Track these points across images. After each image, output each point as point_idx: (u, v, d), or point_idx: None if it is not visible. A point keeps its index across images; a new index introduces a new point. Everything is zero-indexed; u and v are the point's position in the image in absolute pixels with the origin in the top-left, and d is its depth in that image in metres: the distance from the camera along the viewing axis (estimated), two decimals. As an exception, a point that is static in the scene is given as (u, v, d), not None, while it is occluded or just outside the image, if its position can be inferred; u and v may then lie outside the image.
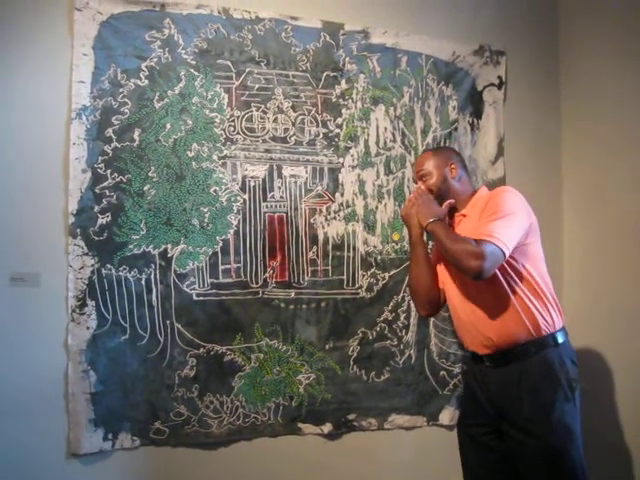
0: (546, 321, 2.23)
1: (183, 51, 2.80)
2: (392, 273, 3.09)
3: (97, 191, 2.66)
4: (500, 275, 2.21)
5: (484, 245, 2.09)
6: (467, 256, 2.10)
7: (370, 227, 3.07)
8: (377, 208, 3.08)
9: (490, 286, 2.22)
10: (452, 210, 2.46)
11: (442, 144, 3.19)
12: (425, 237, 2.47)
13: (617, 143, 3.04)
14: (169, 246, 2.75)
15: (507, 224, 2.16)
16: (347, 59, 3.05)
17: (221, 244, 2.83)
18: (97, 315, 2.64)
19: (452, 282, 2.40)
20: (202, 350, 2.79)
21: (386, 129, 3.11)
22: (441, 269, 2.49)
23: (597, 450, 2.74)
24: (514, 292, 2.23)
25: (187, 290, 2.78)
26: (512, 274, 2.23)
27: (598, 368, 3.05)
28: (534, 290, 2.24)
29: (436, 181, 2.44)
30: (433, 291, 2.49)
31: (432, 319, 3.12)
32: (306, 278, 2.96)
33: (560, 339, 2.25)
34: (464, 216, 2.41)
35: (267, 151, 2.92)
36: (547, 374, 2.20)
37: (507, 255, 2.13)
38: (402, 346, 3.10)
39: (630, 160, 2.95)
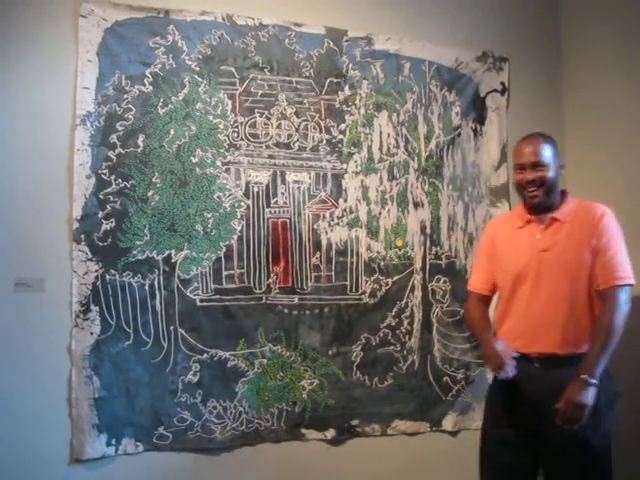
0: None
1: (187, 57, 2.81)
2: (395, 279, 3.09)
3: (101, 197, 2.67)
4: (587, 287, 2.30)
5: (622, 293, 2.24)
6: (624, 317, 2.23)
7: (373, 233, 3.07)
8: (380, 214, 3.08)
9: (580, 296, 2.30)
10: (537, 208, 2.40)
11: (445, 150, 3.20)
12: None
13: (620, 149, 3.05)
14: (173, 252, 2.76)
15: (623, 256, 2.30)
16: (350, 65, 3.06)
17: (225, 250, 2.83)
18: (101, 320, 2.65)
19: (542, 281, 2.35)
20: (205, 356, 2.79)
21: (389, 135, 3.12)
22: (516, 265, 2.42)
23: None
24: (592, 304, 2.31)
25: (191, 295, 2.78)
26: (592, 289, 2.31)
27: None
28: (599, 305, 2.31)
29: (551, 174, 2.35)
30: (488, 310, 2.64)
31: (435, 325, 3.13)
32: (309, 284, 2.96)
33: None
34: (558, 221, 2.37)
35: (270, 157, 2.93)
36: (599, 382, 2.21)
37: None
38: (405, 352, 3.10)
39: (633, 166, 2.96)
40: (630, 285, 2.26)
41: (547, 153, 2.36)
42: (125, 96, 2.72)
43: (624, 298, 2.23)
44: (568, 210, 2.37)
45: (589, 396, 2.14)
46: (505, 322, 2.48)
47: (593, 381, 2.14)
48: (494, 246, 2.56)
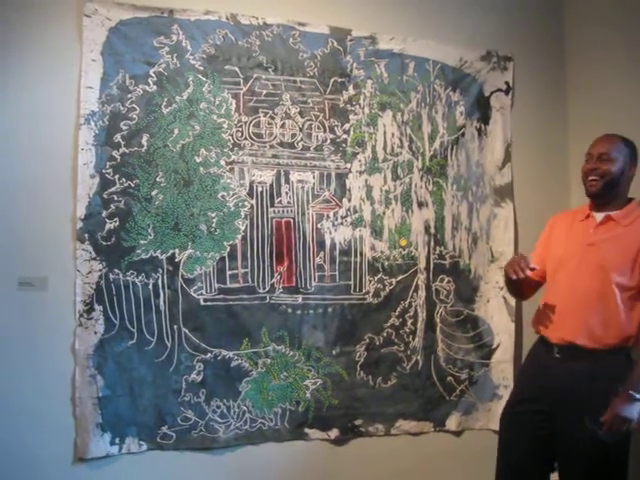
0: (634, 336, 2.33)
1: (191, 57, 2.81)
2: (399, 278, 3.09)
3: (105, 196, 2.67)
4: (634, 288, 2.33)
5: None
6: None
7: (377, 232, 3.07)
8: (384, 214, 3.08)
9: (624, 292, 2.32)
10: (599, 203, 2.45)
11: (450, 150, 3.19)
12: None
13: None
14: (177, 251, 2.76)
15: None
16: (354, 65, 3.05)
17: (228, 249, 2.83)
18: (104, 320, 2.65)
19: (581, 273, 2.40)
20: (209, 355, 2.79)
21: (393, 135, 3.11)
22: (563, 253, 2.50)
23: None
24: (629, 309, 2.33)
25: (194, 295, 2.78)
26: (638, 294, 2.33)
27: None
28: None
29: (614, 169, 2.38)
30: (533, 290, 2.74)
31: (439, 325, 3.13)
32: (313, 283, 2.96)
33: (629, 352, 2.35)
34: (614, 221, 2.41)
35: (274, 156, 2.93)
36: (619, 381, 2.24)
37: None
38: (409, 352, 3.09)
39: (638, 166, 2.94)
40: None
41: (618, 149, 2.40)
42: (129, 95, 2.72)
43: None
44: (628, 214, 2.41)
45: (635, 411, 2.18)
46: (544, 305, 2.56)
47: (638, 396, 2.18)
48: (551, 236, 2.65)
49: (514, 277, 2.38)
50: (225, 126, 2.85)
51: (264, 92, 2.93)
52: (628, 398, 2.19)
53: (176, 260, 2.76)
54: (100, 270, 2.65)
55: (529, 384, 2.52)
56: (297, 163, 2.96)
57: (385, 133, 3.10)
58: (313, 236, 2.97)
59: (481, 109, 3.29)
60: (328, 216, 2.99)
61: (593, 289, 2.36)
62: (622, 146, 2.42)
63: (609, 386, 2.24)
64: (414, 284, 3.12)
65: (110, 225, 2.67)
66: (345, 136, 3.03)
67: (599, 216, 2.45)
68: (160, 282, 2.74)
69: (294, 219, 2.95)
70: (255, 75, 2.91)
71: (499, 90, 3.33)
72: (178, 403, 2.75)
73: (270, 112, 2.93)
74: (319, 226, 2.98)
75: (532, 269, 2.38)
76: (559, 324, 2.43)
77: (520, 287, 2.65)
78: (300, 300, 2.94)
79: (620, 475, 2.30)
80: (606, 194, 2.41)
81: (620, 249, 2.34)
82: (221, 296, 2.82)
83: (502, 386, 3.19)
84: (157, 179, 2.74)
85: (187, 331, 2.76)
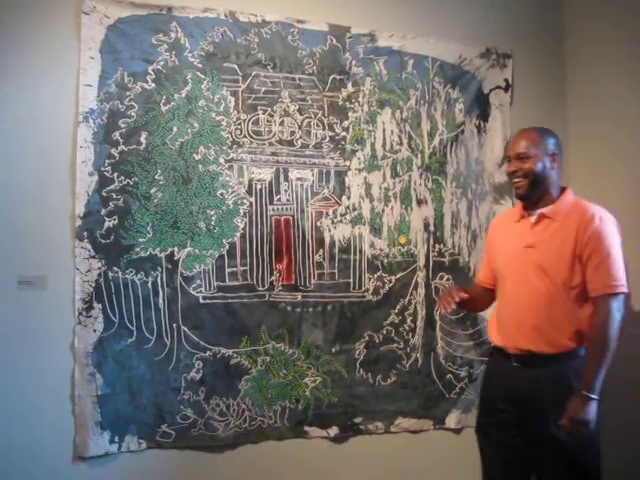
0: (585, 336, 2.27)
1: (190, 54, 2.80)
2: (399, 276, 3.09)
3: (104, 194, 2.66)
4: (578, 286, 2.26)
5: (614, 302, 2.20)
6: (617, 325, 2.19)
7: (376, 230, 3.06)
8: (383, 211, 3.08)
9: (569, 292, 2.27)
10: (530, 202, 2.39)
11: (449, 147, 3.19)
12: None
13: (624, 145, 3.03)
14: (176, 249, 2.76)
15: (616, 263, 2.23)
16: (353, 62, 3.05)
17: (227, 247, 2.83)
18: (104, 318, 2.65)
19: (523, 277, 2.35)
20: (208, 353, 2.79)
21: (392, 132, 3.11)
22: (503, 259, 2.46)
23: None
24: (576, 306, 2.27)
25: (194, 293, 2.78)
26: (583, 287, 2.26)
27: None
28: (589, 306, 2.27)
29: (534, 166, 2.33)
30: (491, 299, 2.65)
31: (438, 322, 3.13)
32: (312, 281, 2.96)
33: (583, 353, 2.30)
34: (548, 218, 2.35)
35: (273, 154, 2.93)
36: (577, 381, 2.21)
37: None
38: (409, 349, 3.09)
39: (637, 162, 2.94)
40: (623, 293, 2.22)
41: (533, 145, 2.35)
42: (128, 93, 2.71)
43: (616, 306, 2.20)
44: (562, 208, 2.34)
45: (591, 411, 2.14)
46: (496, 316, 2.52)
47: (593, 396, 2.14)
48: (492, 241, 2.61)
49: (442, 312, 2.38)
50: (224, 124, 2.85)
51: (263, 89, 2.92)
52: (583, 399, 2.14)
53: (175, 258, 2.76)
54: (99, 268, 2.65)
55: (494, 396, 2.45)
56: (296, 161, 2.96)
57: (384, 130, 3.10)
58: (312, 234, 2.97)
59: (480, 106, 3.29)
60: (327, 214, 2.99)
61: (538, 293, 2.30)
62: (539, 140, 2.36)
63: (571, 389, 2.20)
64: (413, 282, 3.12)
65: (109, 223, 2.67)
66: (344, 134, 3.03)
67: (533, 215, 2.39)
68: (159, 280, 2.73)
69: (293, 217, 2.94)
70: (254, 73, 2.90)
71: (498, 87, 3.33)
72: (177, 401, 2.75)
73: (269, 110, 2.93)
74: (318, 224, 2.98)
75: (457, 303, 2.34)
76: (512, 333, 2.36)
77: (466, 307, 2.63)
78: (299, 298, 2.94)
79: (594, 477, 2.26)
80: (535, 192, 2.35)
81: (558, 247, 2.28)
82: (220, 294, 2.82)
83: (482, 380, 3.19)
84: (156, 177, 2.74)
85: (186, 329, 2.76)
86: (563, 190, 2.41)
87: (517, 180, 2.36)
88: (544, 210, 2.36)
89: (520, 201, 2.45)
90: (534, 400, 2.27)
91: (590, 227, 2.23)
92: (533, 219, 2.39)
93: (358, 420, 3.01)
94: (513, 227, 2.47)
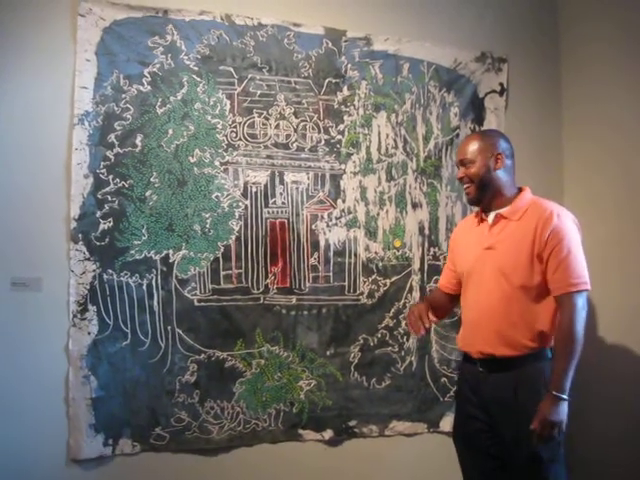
0: (550, 335, 2.24)
1: (185, 57, 2.81)
2: (393, 279, 3.09)
3: (99, 196, 2.66)
4: (537, 286, 2.23)
5: (578, 299, 2.17)
6: (583, 322, 2.17)
7: (371, 233, 3.07)
8: (378, 214, 3.08)
9: (528, 293, 2.24)
10: (485, 204, 2.38)
11: (444, 151, 3.19)
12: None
13: (619, 148, 3.05)
14: (171, 252, 2.76)
15: (577, 260, 2.21)
16: (349, 66, 3.06)
17: (222, 250, 2.83)
18: (98, 320, 2.65)
19: (482, 280, 2.33)
20: (203, 356, 2.79)
21: (388, 136, 3.12)
22: (465, 263, 2.43)
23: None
24: (536, 307, 2.24)
25: (188, 296, 2.78)
26: (542, 287, 2.23)
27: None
28: (551, 304, 2.24)
29: (478, 171, 2.32)
30: (451, 304, 2.64)
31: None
32: (307, 284, 2.96)
33: (551, 353, 2.27)
34: (505, 218, 2.32)
35: (269, 157, 2.93)
36: (543, 386, 2.19)
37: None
38: (403, 353, 3.09)
39: (632, 164, 2.96)
40: (586, 290, 2.19)
41: (473, 149, 2.34)
42: (123, 96, 2.71)
43: (581, 304, 2.17)
44: (518, 207, 2.31)
45: (562, 412, 2.12)
46: (462, 320, 2.51)
47: (564, 396, 2.12)
48: (455, 245, 2.60)
49: (417, 335, 2.35)
50: (219, 127, 2.85)
51: (258, 92, 2.93)
52: (554, 400, 2.11)
53: (170, 261, 2.76)
54: (94, 270, 2.65)
55: (465, 403, 2.43)
56: (291, 164, 2.96)
57: (379, 134, 3.10)
58: (307, 237, 2.97)
59: (475, 110, 3.30)
60: (322, 217, 2.99)
61: (497, 295, 2.27)
62: (481, 143, 2.34)
63: (536, 391, 2.19)
64: (408, 285, 3.12)
65: (104, 225, 2.66)
66: (339, 137, 3.04)
67: (490, 217, 2.37)
68: (154, 283, 2.73)
69: (288, 220, 2.94)
70: (250, 75, 2.91)
71: (493, 91, 3.34)
72: (172, 404, 2.74)
73: (264, 113, 2.93)
74: (313, 227, 2.98)
75: (427, 328, 2.32)
76: (474, 337, 2.35)
77: (442, 312, 2.62)
78: (294, 301, 2.94)
79: None
80: (484, 196, 2.34)
81: (516, 247, 2.25)
82: (215, 297, 2.82)
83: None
84: (151, 179, 2.74)
85: (181, 332, 2.76)
86: (520, 190, 2.39)
87: (466, 186, 2.37)
88: (500, 211, 2.34)
89: (473, 206, 2.47)
90: (500, 405, 2.26)
91: (549, 225, 2.21)
92: (490, 220, 2.37)
93: (352, 423, 3.01)
94: (473, 231, 2.45)
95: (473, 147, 2.35)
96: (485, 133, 2.43)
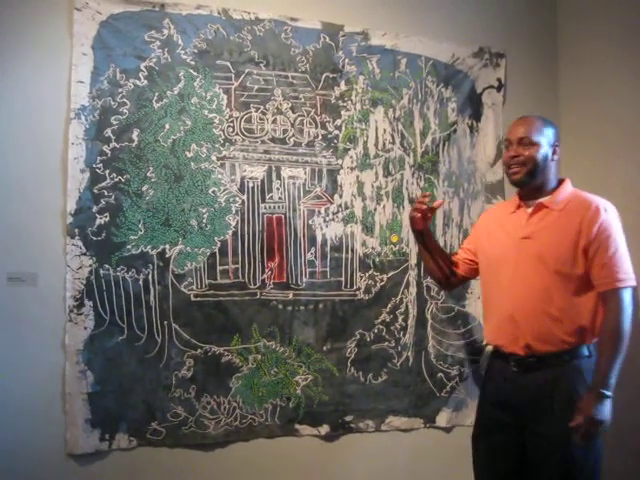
0: (592, 330, 2.20)
1: (182, 51, 2.80)
2: (390, 275, 3.09)
3: (95, 191, 2.66)
4: (579, 280, 2.19)
5: (625, 295, 2.13)
6: (630, 319, 2.13)
7: (368, 229, 3.07)
8: (376, 210, 3.08)
9: (568, 284, 2.19)
10: (527, 192, 2.33)
11: (441, 146, 3.19)
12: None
13: (617, 143, 3.05)
14: (167, 246, 2.75)
15: (624, 256, 2.18)
16: (346, 60, 3.05)
17: (219, 245, 2.83)
18: (95, 315, 2.64)
19: (519, 270, 2.26)
20: (199, 351, 2.79)
21: (385, 131, 3.11)
22: (496, 251, 2.37)
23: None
24: (578, 301, 2.20)
25: (185, 291, 2.77)
26: (584, 281, 2.19)
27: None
28: (593, 299, 2.20)
29: (537, 155, 2.24)
30: (446, 271, 2.60)
31: (430, 321, 3.13)
32: (304, 279, 2.96)
33: (592, 349, 2.22)
34: (547, 208, 2.27)
35: (266, 152, 2.92)
36: (581, 384, 2.15)
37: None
38: (400, 348, 3.10)
39: (631, 159, 2.96)
40: (632, 287, 2.16)
41: (537, 132, 2.27)
42: (120, 90, 2.70)
43: (627, 300, 2.13)
44: (561, 198, 2.28)
45: (606, 410, 2.06)
46: (487, 313, 2.46)
47: (608, 393, 2.06)
48: (481, 231, 2.54)
49: (417, 214, 2.38)
50: (216, 121, 2.84)
51: (255, 87, 2.92)
52: (598, 397, 2.06)
53: (167, 256, 2.75)
54: (90, 265, 2.64)
55: (491, 401, 2.38)
56: (288, 159, 2.96)
57: (377, 129, 3.10)
58: (304, 232, 2.97)
59: (473, 106, 3.29)
60: (319, 212, 2.99)
61: (536, 286, 2.21)
62: (543, 128, 2.29)
63: (573, 391, 2.14)
64: (405, 280, 3.12)
65: (100, 220, 2.66)
66: (337, 132, 3.03)
67: (531, 205, 2.31)
68: (150, 278, 2.73)
69: (285, 215, 2.94)
70: (247, 70, 2.90)
71: (491, 87, 3.33)
72: (168, 399, 2.74)
73: (261, 107, 2.92)
74: (310, 222, 2.98)
75: (425, 196, 2.37)
76: (508, 331, 2.27)
77: (436, 265, 2.59)
78: (291, 296, 2.94)
79: None
80: (532, 181, 2.28)
81: (558, 237, 2.20)
82: (212, 292, 2.81)
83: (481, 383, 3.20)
84: (148, 174, 2.73)
85: (177, 327, 2.76)
86: (561, 181, 2.35)
87: (515, 167, 2.27)
88: (542, 200, 2.29)
89: (516, 187, 2.37)
90: (535, 404, 2.19)
91: (597, 219, 2.17)
92: (530, 209, 2.31)
93: (349, 418, 3.02)
94: (508, 218, 2.39)
95: (537, 129, 2.28)
96: (547, 120, 2.34)
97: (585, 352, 2.20)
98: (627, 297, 2.14)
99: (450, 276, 2.62)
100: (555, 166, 2.33)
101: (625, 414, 2.24)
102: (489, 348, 2.46)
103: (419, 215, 2.42)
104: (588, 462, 2.16)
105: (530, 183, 2.29)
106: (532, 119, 2.34)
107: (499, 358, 2.36)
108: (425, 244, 2.58)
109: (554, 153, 2.30)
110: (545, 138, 2.28)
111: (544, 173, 2.29)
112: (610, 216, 2.21)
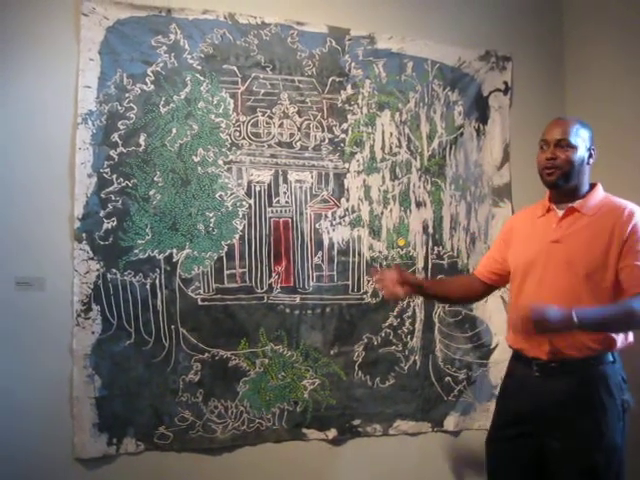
0: (618, 338, 2.16)
1: (189, 56, 2.80)
2: (397, 278, 3.08)
3: (103, 196, 2.66)
4: (610, 286, 2.14)
5: None
6: None
7: (375, 232, 3.06)
8: (382, 213, 3.08)
9: (596, 290, 2.13)
10: (559, 195, 2.27)
11: (448, 149, 3.19)
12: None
13: (623, 146, 3.03)
14: (174, 251, 2.76)
15: None
16: (353, 64, 3.05)
17: (226, 249, 2.83)
18: (102, 320, 2.65)
19: (547, 274, 2.20)
20: (207, 355, 2.79)
21: (392, 134, 3.11)
22: (525, 255, 2.30)
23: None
24: (612, 300, 2.14)
25: (192, 295, 2.78)
26: (615, 287, 2.14)
27: None
28: None
29: (574, 158, 2.18)
30: (480, 293, 2.58)
31: (437, 325, 3.12)
32: (311, 283, 2.95)
33: (617, 356, 2.18)
34: (578, 212, 2.22)
35: (273, 156, 2.92)
36: (605, 391, 2.12)
37: None
38: (407, 352, 3.09)
39: (637, 162, 2.95)
40: None
41: (576, 134, 2.21)
42: (127, 95, 2.71)
43: None
44: (593, 203, 2.22)
45: (562, 324, 1.95)
46: (512, 316, 2.35)
47: (576, 319, 1.93)
48: (510, 236, 2.46)
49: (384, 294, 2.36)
50: (223, 125, 2.85)
51: (262, 91, 2.92)
52: (568, 313, 1.93)
53: (174, 260, 2.75)
54: (98, 270, 2.65)
55: (510, 406, 2.33)
56: (295, 163, 2.96)
57: (383, 133, 3.10)
58: (311, 236, 2.96)
59: (479, 109, 3.29)
60: (326, 216, 2.99)
61: (564, 290, 2.14)
62: (582, 132, 2.23)
63: (596, 397, 2.11)
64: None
65: (108, 225, 2.66)
66: (343, 136, 3.03)
67: (562, 208, 2.25)
68: (158, 282, 2.73)
69: (292, 219, 2.94)
70: (253, 74, 2.90)
71: (498, 90, 3.33)
72: (176, 403, 2.74)
73: (268, 111, 2.93)
74: (317, 226, 2.97)
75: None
76: (532, 338, 2.17)
77: (456, 297, 2.60)
78: (298, 300, 2.93)
79: None
80: (566, 184, 2.21)
81: (589, 241, 2.15)
82: (219, 296, 2.82)
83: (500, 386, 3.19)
84: (155, 179, 2.73)
85: (185, 331, 2.76)
86: (593, 186, 2.29)
87: (551, 168, 2.20)
88: (574, 204, 2.23)
89: (550, 191, 2.31)
90: (558, 411, 2.15)
91: (631, 224, 2.12)
92: (560, 213, 2.26)
93: (356, 422, 3.01)
94: (536, 222, 2.34)
95: (576, 132, 2.22)
96: (584, 122, 2.28)
97: (610, 358, 2.16)
98: None
99: (485, 295, 2.61)
100: (589, 171, 2.27)
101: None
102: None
103: (391, 293, 2.36)
104: (610, 471, 2.12)
105: (564, 186, 2.22)
106: (570, 120, 2.28)
107: (520, 362, 2.32)
108: (428, 295, 2.57)
109: (590, 157, 2.26)
110: (582, 141, 2.23)
111: (579, 177, 2.23)
112: None
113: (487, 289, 2.57)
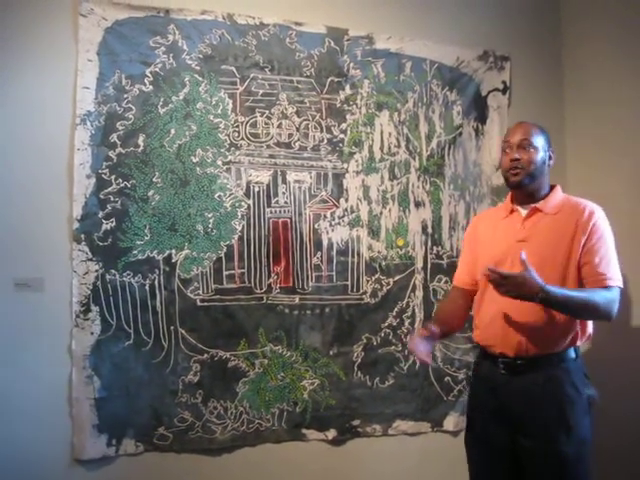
0: (580, 334, 2.21)
1: (187, 57, 2.80)
2: (396, 279, 3.08)
3: (101, 197, 2.66)
4: (573, 281, 2.20)
5: (616, 294, 2.17)
6: (611, 305, 2.15)
7: (374, 232, 3.06)
8: (381, 213, 3.08)
9: (564, 285, 2.18)
10: (522, 196, 2.32)
11: (447, 149, 3.19)
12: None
13: (621, 146, 3.04)
14: (173, 251, 2.76)
15: (614, 258, 2.21)
16: (351, 64, 3.05)
17: (225, 249, 2.83)
18: (101, 320, 2.65)
19: (515, 270, 2.17)
20: (206, 356, 2.78)
21: (390, 134, 3.11)
22: (491, 256, 2.31)
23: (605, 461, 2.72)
24: None
25: (191, 295, 2.77)
26: (578, 283, 2.20)
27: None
28: None
29: (537, 158, 2.26)
30: (468, 303, 2.52)
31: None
32: (310, 284, 2.95)
33: (579, 352, 2.24)
34: (541, 212, 2.28)
35: (271, 156, 2.92)
36: (571, 386, 2.17)
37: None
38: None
39: (634, 163, 2.95)
40: (619, 287, 2.18)
41: (538, 136, 2.30)
42: (125, 95, 2.71)
43: (616, 297, 2.16)
44: (554, 203, 2.29)
45: (529, 294, 2.02)
46: (479, 314, 2.40)
47: (545, 292, 2.01)
48: (476, 238, 2.49)
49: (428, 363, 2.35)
50: (222, 126, 2.85)
51: (261, 92, 2.92)
52: (541, 286, 2.01)
53: (173, 260, 2.75)
54: (97, 271, 2.65)
55: (481, 404, 2.35)
56: (294, 163, 2.96)
57: (382, 133, 3.10)
58: (310, 236, 2.96)
59: (478, 109, 3.29)
60: (325, 216, 2.99)
61: None
62: (539, 132, 2.32)
63: (562, 393, 2.15)
64: (411, 284, 3.11)
65: (106, 226, 2.66)
66: (342, 136, 3.03)
67: (526, 209, 2.31)
68: (157, 283, 2.73)
69: (291, 219, 2.94)
70: (252, 75, 2.90)
71: (496, 90, 3.33)
72: (175, 404, 2.74)
73: (267, 112, 2.93)
74: (316, 226, 2.97)
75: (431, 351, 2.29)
76: (499, 333, 2.24)
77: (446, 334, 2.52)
78: (297, 300, 2.93)
79: None
80: (530, 183, 2.27)
81: (553, 240, 2.22)
82: (218, 296, 2.82)
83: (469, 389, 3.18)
84: (153, 179, 2.73)
85: (184, 332, 2.76)
86: (552, 187, 2.36)
87: (516, 169, 2.25)
88: (537, 204, 2.30)
89: (513, 192, 2.37)
90: (525, 407, 2.19)
91: (591, 222, 2.20)
92: (524, 213, 2.32)
93: (356, 423, 3.01)
94: (501, 223, 2.39)
95: (537, 133, 2.31)
96: (540, 127, 2.36)
97: (572, 355, 2.22)
98: (617, 295, 2.17)
99: (463, 312, 2.55)
100: (549, 173, 2.35)
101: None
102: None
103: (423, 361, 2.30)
104: (580, 465, 2.17)
105: (529, 185, 2.29)
106: (530, 124, 2.36)
107: (487, 360, 2.35)
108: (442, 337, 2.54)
109: (549, 159, 2.34)
110: (545, 143, 2.32)
111: (541, 177, 2.31)
112: (601, 218, 2.24)
113: (471, 299, 2.52)
